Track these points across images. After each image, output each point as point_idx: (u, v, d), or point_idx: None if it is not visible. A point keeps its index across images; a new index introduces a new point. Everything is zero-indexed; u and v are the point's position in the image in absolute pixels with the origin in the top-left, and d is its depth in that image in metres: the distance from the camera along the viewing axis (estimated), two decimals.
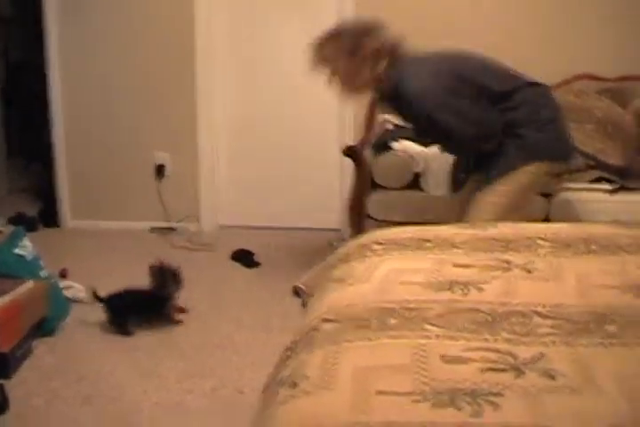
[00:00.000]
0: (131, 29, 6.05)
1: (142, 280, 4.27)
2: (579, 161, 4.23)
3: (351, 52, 3.75)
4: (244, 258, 5.33)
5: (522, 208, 3.85)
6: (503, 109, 3.79)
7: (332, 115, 5.90)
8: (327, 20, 5.75)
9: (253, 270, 5.17)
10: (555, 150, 3.85)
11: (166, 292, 4.19)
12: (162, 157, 6.18)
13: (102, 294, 4.18)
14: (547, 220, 4.62)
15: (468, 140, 3.80)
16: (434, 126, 3.80)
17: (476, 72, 3.84)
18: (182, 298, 4.31)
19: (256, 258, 5.34)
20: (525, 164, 3.74)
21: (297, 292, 3.33)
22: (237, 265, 5.28)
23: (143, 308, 4.20)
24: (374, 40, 3.79)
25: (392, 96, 3.84)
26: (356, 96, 4.10)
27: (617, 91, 5.32)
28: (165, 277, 4.19)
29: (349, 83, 3.86)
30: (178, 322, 4.23)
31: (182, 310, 4.31)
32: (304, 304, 2.93)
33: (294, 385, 1.69)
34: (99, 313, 4.25)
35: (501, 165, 3.79)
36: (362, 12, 5.64)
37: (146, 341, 3.97)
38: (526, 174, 3.76)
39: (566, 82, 5.47)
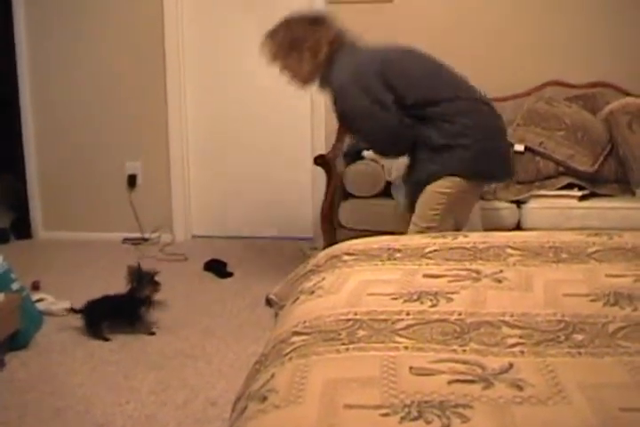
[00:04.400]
0: (101, 39, 6.04)
1: (116, 291, 4.29)
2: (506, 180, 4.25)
3: (290, 47, 3.92)
4: (217, 268, 5.32)
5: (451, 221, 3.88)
6: (430, 117, 3.82)
7: (303, 124, 5.92)
8: None
9: (226, 280, 5.17)
10: (471, 169, 3.83)
11: (142, 294, 4.23)
12: (133, 167, 6.17)
13: (79, 304, 4.23)
14: (518, 227, 4.64)
15: (378, 141, 3.96)
16: (347, 122, 4.02)
17: (407, 75, 3.88)
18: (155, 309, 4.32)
19: (229, 268, 5.33)
20: (437, 177, 3.81)
21: (269, 302, 3.34)
22: (210, 275, 5.28)
23: (119, 311, 4.23)
24: (312, 33, 3.92)
25: (324, 85, 3.99)
26: (308, 87, 4.16)
27: (587, 97, 5.34)
28: (142, 280, 4.22)
29: (296, 76, 4.04)
30: (151, 332, 4.23)
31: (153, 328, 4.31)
32: (276, 315, 2.93)
33: (263, 399, 1.68)
34: (71, 326, 4.26)
35: (414, 176, 3.96)
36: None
37: (118, 353, 3.95)
38: (443, 191, 3.83)
39: (537, 89, 5.50)
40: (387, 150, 4.01)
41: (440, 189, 3.81)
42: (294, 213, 6.05)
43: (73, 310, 4.27)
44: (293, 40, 3.93)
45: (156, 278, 4.29)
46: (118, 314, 4.24)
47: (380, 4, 5.69)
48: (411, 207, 3.97)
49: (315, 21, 3.99)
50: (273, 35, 3.99)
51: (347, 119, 4.03)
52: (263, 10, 5.92)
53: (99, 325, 4.17)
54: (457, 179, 3.79)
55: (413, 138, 3.84)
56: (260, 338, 3.86)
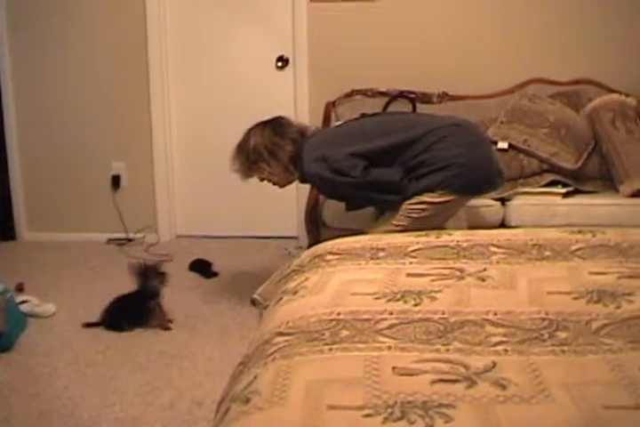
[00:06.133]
0: (84, 41, 6.01)
1: (101, 292, 4.28)
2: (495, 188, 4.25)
3: (250, 166, 4.28)
4: (202, 268, 5.30)
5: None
6: (411, 157, 3.91)
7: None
8: (281, 31, 5.82)
9: (211, 280, 5.15)
10: (453, 185, 3.86)
11: (151, 288, 4.27)
12: (117, 167, 6.15)
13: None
14: (502, 224, 4.64)
15: (372, 200, 4.07)
16: (340, 198, 4.26)
17: (369, 138, 4.01)
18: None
19: (214, 268, 5.32)
20: (421, 193, 3.89)
21: (254, 302, 3.34)
22: (195, 275, 5.25)
23: (133, 309, 4.27)
24: (272, 139, 4.23)
25: (303, 177, 4.23)
26: (291, 182, 4.44)
27: (570, 94, 5.35)
28: (148, 275, 4.26)
29: (275, 183, 4.40)
30: (166, 327, 4.29)
31: (168, 321, 4.36)
32: (261, 315, 2.93)
33: (247, 401, 1.67)
34: (56, 328, 4.24)
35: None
36: (314, 23, 5.67)
37: (103, 354, 3.93)
38: (430, 201, 3.88)
39: (520, 86, 5.50)
40: (392, 198, 4.02)
41: (426, 199, 3.86)
42: (279, 212, 6.03)
43: (89, 325, 4.28)
44: (257, 152, 4.22)
45: (161, 271, 4.36)
46: (133, 312, 4.27)
47: (362, 2, 5.67)
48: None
49: (275, 126, 4.30)
50: (235, 157, 4.32)
51: (338, 197, 4.28)
52: (247, 10, 5.92)
53: (121, 328, 4.22)
54: (445, 192, 3.86)
55: (402, 178, 3.93)
56: (245, 338, 3.85)
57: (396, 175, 3.88)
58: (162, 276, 4.32)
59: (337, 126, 4.47)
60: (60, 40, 6.03)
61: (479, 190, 4.09)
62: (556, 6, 5.58)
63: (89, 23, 5.99)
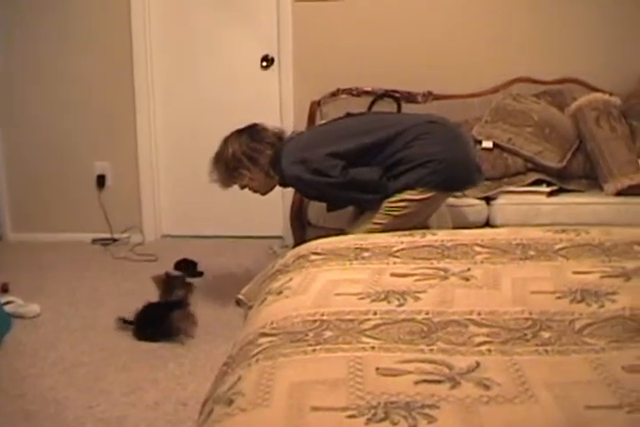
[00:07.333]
0: (69, 40, 5.98)
1: (86, 292, 4.25)
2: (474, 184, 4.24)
3: (231, 174, 4.25)
4: (187, 268, 5.28)
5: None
6: (390, 155, 3.91)
7: (273, 124, 5.89)
8: (266, 31, 5.81)
9: (197, 280, 5.13)
10: (432, 182, 3.85)
11: (176, 298, 4.22)
12: (102, 167, 6.14)
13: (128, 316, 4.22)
14: (487, 223, 4.65)
15: (353, 199, 4.05)
16: (324, 200, 4.26)
17: (347, 137, 4.00)
18: (125, 309, 4.28)
19: (199, 267, 5.31)
20: (401, 191, 3.88)
21: (239, 303, 3.34)
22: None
23: (156, 319, 4.17)
24: (250, 145, 4.23)
25: (284, 181, 4.19)
26: (273, 188, 4.42)
27: (555, 93, 5.35)
28: (174, 285, 4.25)
29: (256, 190, 4.39)
30: (186, 334, 4.13)
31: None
32: (246, 315, 2.92)
33: (230, 402, 1.67)
34: (41, 329, 4.23)
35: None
36: (299, 22, 5.67)
37: (88, 355, 3.92)
38: (410, 198, 3.87)
39: (505, 85, 5.50)
40: (371, 197, 4.02)
41: (407, 197, 3.86)
42: (264, 211, 6.02)
43: (125, 322, 4.20)
44: (236, 159, 4.21)
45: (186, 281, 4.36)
46: (156, 321, 4.16)
47: (347, 1, 5.67)
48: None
49: (251, 132, 4.30)
50: (213, 167, 4.29)
51: (318, 198, 4.31)
52: (232, 9, 5.91)
53: (144, 334, 4.13)
54: (425, 188, 3.86)
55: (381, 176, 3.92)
56: (230, 338, 3.81)
57: (375, 174, 3.87)
58: (188, 286, 4.30)
59: (319, 126, 4.48)
60: (45, 39, 6.00)
61: (458, 186, 4.11)
62: (541, 6, 5.58)
63: (74, 22, 5.97)
